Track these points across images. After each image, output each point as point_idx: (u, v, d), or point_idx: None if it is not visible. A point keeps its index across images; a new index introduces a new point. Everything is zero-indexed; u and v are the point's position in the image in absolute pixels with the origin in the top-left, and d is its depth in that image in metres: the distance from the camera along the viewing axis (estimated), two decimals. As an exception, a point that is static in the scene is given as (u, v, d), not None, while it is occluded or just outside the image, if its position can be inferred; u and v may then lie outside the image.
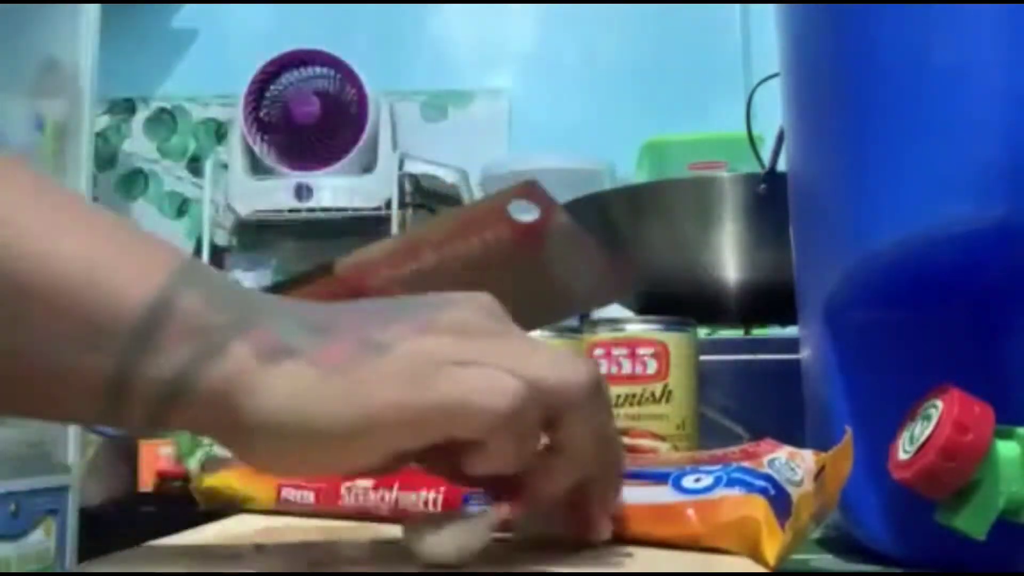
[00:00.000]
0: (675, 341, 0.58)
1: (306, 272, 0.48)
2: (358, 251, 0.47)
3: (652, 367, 0.57)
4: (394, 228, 2.35)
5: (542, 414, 0.33)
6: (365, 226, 2.45)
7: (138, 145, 2.75)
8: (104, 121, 2.69)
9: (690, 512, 0.39)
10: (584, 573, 0.36)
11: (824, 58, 0.47)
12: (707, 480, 0.40)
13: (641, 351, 0.57)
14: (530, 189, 0.41)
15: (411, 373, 0.32)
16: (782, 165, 0.61)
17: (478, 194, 2.47)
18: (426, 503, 0.46)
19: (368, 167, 2.42)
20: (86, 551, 1.88)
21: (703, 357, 0.61)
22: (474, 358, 0.32)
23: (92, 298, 0.31)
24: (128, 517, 2.00)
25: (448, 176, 2.43)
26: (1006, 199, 0.39)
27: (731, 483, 0.39)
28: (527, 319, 0.44)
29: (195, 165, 2.69)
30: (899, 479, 0.39)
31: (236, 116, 2.44)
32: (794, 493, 0.39)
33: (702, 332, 0.76)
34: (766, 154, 0.80)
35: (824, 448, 0.42)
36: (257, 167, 2.45)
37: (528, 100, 2.65)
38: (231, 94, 2.49)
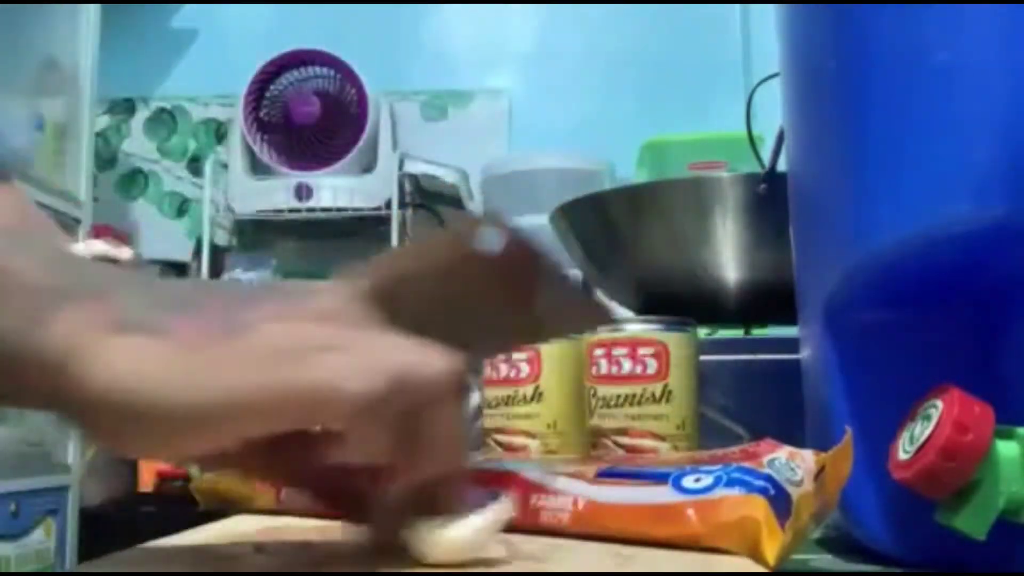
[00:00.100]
0: (675, 341, 0.58)
1: None
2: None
3: (652, 367, 0.57)
4: (394, 228, 2.35)
5: (403, 406, 0.32)
6: (365, 226, 2.45)
7: (138, 145, 2.75)
8: (104, 121, 2.69)
9: (690, 512, 0.39)
10: (584, 573, 0.36)
11: (824, 58, 0.47)
12: (707, 480, 0.40)
13: (641, 351, 0.57)
14: (497, 220, 0.40)
15: (274, 355, 0.30)
16: (782, 165, 0.61)
17: (478, 194, 2.47)
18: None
19: (368, 167, 2.42)
20: (86, 551, 1.88)
21: (703, 357, 0.61)
22: (338, 344, 0.31)
23: None
24: (128, 517, 2.00)
25: (448, 176, 2.43)
26: (1006, 199, 0.39)
27: (731, 483, 0.39)
28: (487, 345, 0.44)
29: (195, 165, 2.69)
30: (899, 479, 0.40)
31: (236, 116, 2.44)
32: (794, 493, 0.39)
33: (702, 332, 0.76)
34: (766, 154, 0.80)
35: (824, 448, 0.42)
36: (257, 167, 2.45)
37: (528, 100, 2.66)
38: (231, 94, 2.50)
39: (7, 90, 1.92)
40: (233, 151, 2.47)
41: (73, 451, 1.94)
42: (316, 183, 2.37)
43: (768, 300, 0.78)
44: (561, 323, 0.46)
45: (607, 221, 0.90)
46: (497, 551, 0.37)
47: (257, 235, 2.58)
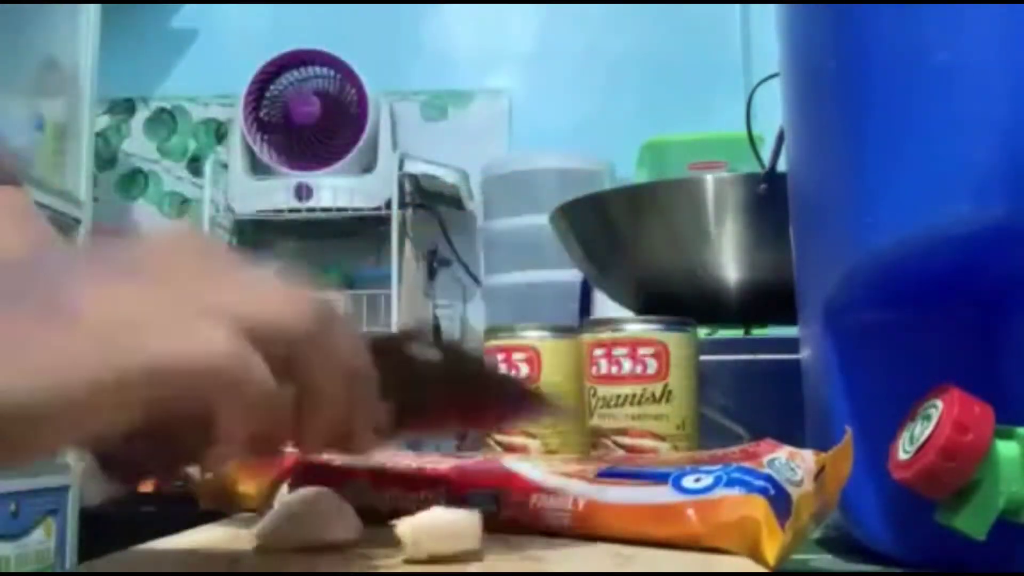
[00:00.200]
0: (675, 341, 0.58)
1: None
2: None
3: (652, 367, 0.57)
4: (394, 228, 2.35)
5: (271, 360, 0.29)
6: (365, 226, 2.45)
7: (138, 145, 2.75)
8: (104, 121, 2.69)
9: (690, 512, 0.39)
10: (584, 573, 0.36)
11: (824, 58, 0.47)
12: (707, 480, 0.40)
13: (641, 351, 0.57)
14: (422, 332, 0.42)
15: (106, 337, 0.27)
16: (782, 165, 0.61)
17: (478, 194, 2.47)
18: (426, 503, 0.46)
19: (368, 167, 2.42)
20: (86, 551, 1.88)
21: (703, 357, 0.61)
22: (180, 309, 0.28)
23: None
24: (128, 517, 2.00)
25: (448, 176, 2.43)
26: (1006, 199, 0.39)
27: (731, 483, 0.39)
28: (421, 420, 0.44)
29: (195, 165, 2.69)
30: (899, 479, 0.40)
31: (236, 116, 2.44)
32: (794, 493, 0.39)
33: (702, 332, 0.76)
34: (766, 154, 0.80)
35: (824, 448, 0.42)
36: (257, 167, 2.45)
37: (528, 100, 2.66)
38: (231, 94, 2.49)
39: (7, 90, 1.92)
40: (233, 151, 2.47)
41: (73, 451, 1.94)
42: (316, 183, 2.37)
43: (768, 300, 0.78)
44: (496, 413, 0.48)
45: (607, 221, 0.90)
46: (493, 548, 0.37)
47: (257, 235, 2.58)
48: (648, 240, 0.86)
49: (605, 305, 1.09)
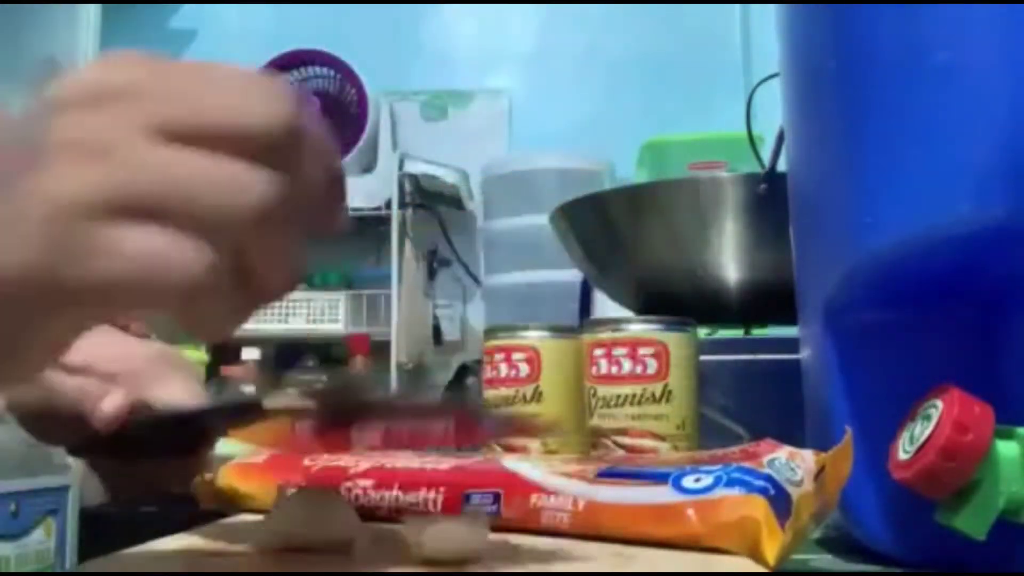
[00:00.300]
0: (675, 341, 0.58)
1: (237, 407, 0.49)
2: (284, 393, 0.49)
3: (652, 367, 0.57)
4: (394, 228, 2.35)
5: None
6: (365, 226, 2.45)
7: (138, 145, 2.74)
8: (104, 121, 2.69)
9: (690, 512, 0.39)
10: (585, 573, 0.36)
11: (824, 58, 0.47)
12: (707, 480, 0.40)
13: (641, 351, 0.57)
14: None
15: (49, 240, 0.24)
16: (782, 165, 0.61)
17: (478, 194, 2.47)
18: (426, 503, 0.46)
19: (368, 167, 2.42)
20: (86, 551, 1.88)
21: (703, 357, 0.61)
22: (135, 192, 0.25)
23: None
24: (128, 517, 2.00)
25: (448, 176, 2.43)
26: (1006, 200, 0.39)
27: (731, 483, 0.39)
28: None
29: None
30: (899, 479, 0.40)
31: (236, 116, 2.43)
32: (794, 493, 0.39)
33: (702, 332, 0.76)
34: (766, 154, 0.80)
35: (824, 448, 0.42)
36: (257, 167, 2.44)
37: (528, 100, 2.66)
38: (231, 94, 2.49)
39: (7, 90, 1.92)
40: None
41: (73, 451, 1.93)
42: (316, 183, 2.36)
43: (768, 300, 0.78)
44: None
45: (607, 221, 0.89)
46: (493, 548, 0.37)
47: (257, 235, 2.58)
48: (648, 240, 0.86)
49: (605, 305, 1.09)
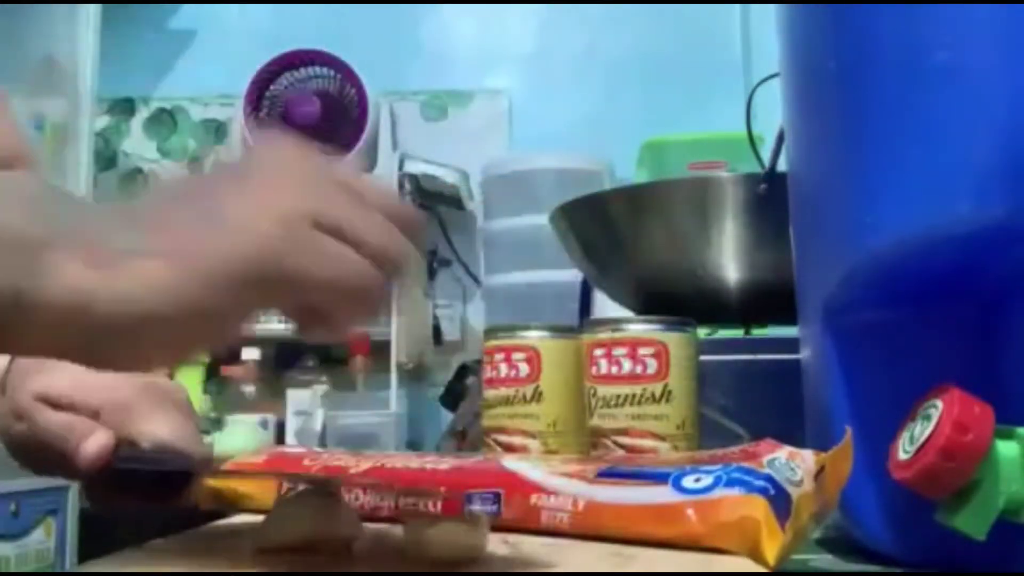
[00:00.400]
0: (675, 341, 0.58)
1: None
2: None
3: (652, 367, 0.57)
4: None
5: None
6: (365, 226, 2.45)
7: (138, 145, 2.74)
8: (104, 121, 2.69)
9: (690, 512, 0.39)
10: (585, 573, 0.36)
11: (824, 58, 0.47)
12: (707, 480, 0.40)
13: (641, 351, 0.57)
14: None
15: (267, 241, 0.33)
16: (782, 165, 0.61)
17: (478, 194, 2.47)
18: (426, 504, 0.46)
19: (368, 167, 2.41)
20: (86, 551, 1.88)
21: (703, 357, 0.61)
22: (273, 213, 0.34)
23: None
24: (128, 517, 1.99)
25: (448, 176, 2.43)
26: (1006, 199, 0.39)
27: (731, 483, 0.39)
28: None
29: (195, 165, 2.69)
30: (899, 479, 0.39)
31: (236, 116, 2.43)
32: (794, 493, 0.39)
33: (702, 332, 0.76)
34: (766, 154, 0.80)
35: (824, 448, 0.42)
36: (257, 167, 2.44)
37: (528, 100, 2.65)
38: (231, 94, 2.49)
39: (7, 90, 1.92)
40: (233, 151, 2.46)
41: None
42: (316, 183, 2.36)
43: (768, 300, 0.78)
44: None
45: (607, 221, 0.90)
46: (493, 548, 0.37)
47: (257, 235, 2.58)
48: (648, 240, 0.86)
49: (605, 305, 1.09)
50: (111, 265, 0.32)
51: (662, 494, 0.40)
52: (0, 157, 0.34)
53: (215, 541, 0.45)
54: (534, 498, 0.43)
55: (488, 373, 0.63)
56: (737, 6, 2.56)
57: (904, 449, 0.40)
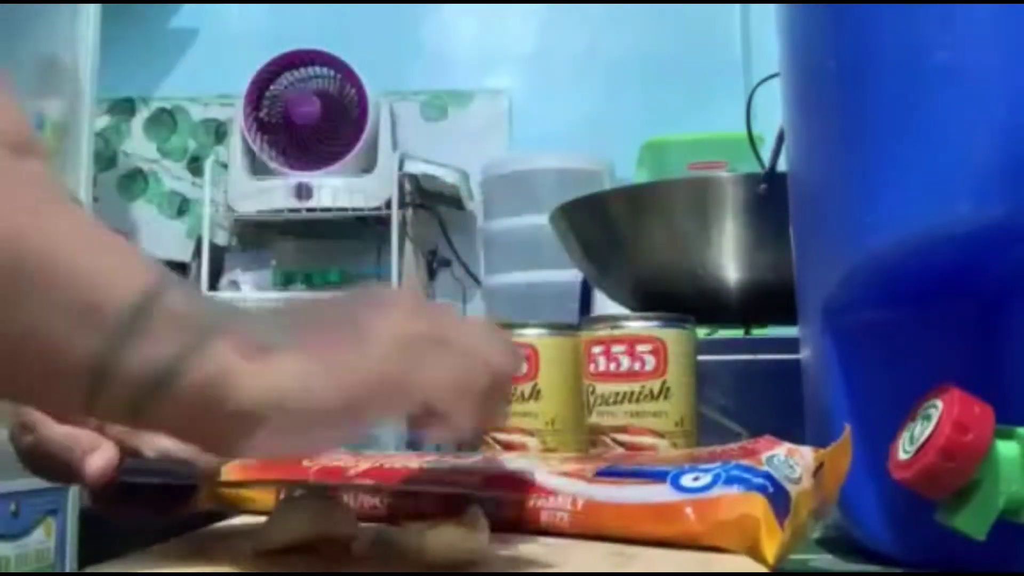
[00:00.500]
0: (673, 338, 0.58)
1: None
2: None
3: (650, 364, 0.57)
4: (394, 228, 2.35)
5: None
6: (365, 226, 2.45)
7: (138, 145, 2.74)
8: (104, 121, 2.69)
9: (689, 511, 0.39)
10: (585, 573, 0.36)
11: (824, 58, 0.47)
12: (706, 478, 0.40)
13: (639, 348, 0.57)
14: None
15: (396, 355, 0.36)
16: (782, 165, 0.61)
17: (478, 194, 2.47)
18: (426, 503, 0.46)
19: (368, 167, 2.41)
20: (86, 551, 1.88)
21: (702, 357, 0.61)
22: (443, 340, 0.37)
23: (89, 279, 0.32)
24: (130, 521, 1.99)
25: (448, 176, 2.43)
26: (1005, 199, 0.39)
27: (730, 481, 0.39)
28: None
29: (195, 165, 2.69)
30: (899, 479, 0.39)
31: (236, 116, 2.43)
32: (793, 491, 0.39)
33: (702, 332, 0.76)
34: (766, 154, 0.80)
35: (824, 448, 0.42)
36: (257, 167, 2.44)
37: (528, 100, 2.65)
38: (231, 94, 2.49)
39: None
40: (233, 151, 2.46)
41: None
42: (316, 183, 2.37)
43: (768, 300, 0.78)
44: None
45: (607, 221, 0.90)
46: (492, 548, 0.37)
47: (257, 235, 2.58)
48: (648, 240, 0.87)
49: (605, 305, 1.09)
50: (256, 353, 0.33)
51: (661, 493, 0.40)
52: (13, 142, 0.34)
53: (216, 542, 0.45)
54: (533, 498, 0.43)
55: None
56: (737, 6, 2.56)
57: (904, 449, 0.40)
